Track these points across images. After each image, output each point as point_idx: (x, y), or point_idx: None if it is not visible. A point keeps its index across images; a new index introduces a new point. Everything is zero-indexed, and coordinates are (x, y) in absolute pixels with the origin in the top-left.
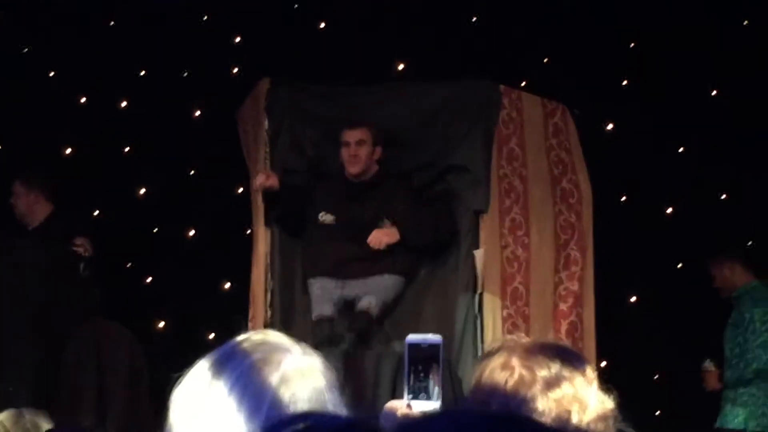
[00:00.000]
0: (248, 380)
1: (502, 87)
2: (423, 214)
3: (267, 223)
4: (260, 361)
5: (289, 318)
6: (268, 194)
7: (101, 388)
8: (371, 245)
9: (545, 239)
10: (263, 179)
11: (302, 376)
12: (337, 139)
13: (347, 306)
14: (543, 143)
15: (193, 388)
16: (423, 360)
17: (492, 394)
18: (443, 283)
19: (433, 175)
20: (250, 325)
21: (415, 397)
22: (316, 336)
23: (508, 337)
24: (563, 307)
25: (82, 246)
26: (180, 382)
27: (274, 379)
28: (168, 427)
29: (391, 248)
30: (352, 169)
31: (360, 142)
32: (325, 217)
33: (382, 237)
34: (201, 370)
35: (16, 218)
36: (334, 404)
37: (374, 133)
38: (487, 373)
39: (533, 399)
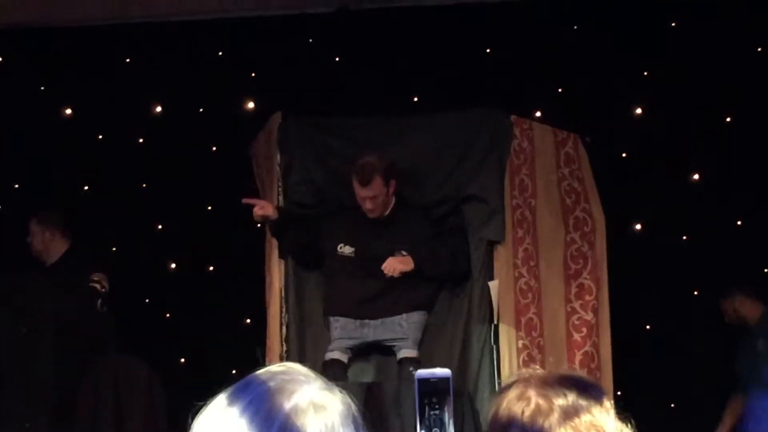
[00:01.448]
0: (260, 405)
1: (513, 117)
2: (439, 245)
3: (280, 257)
4: (275, 388)
5: (305, 352)
6: (273, 225)
7: (119, 424)
8: (385, 272)
9: (554, 269)
10: (256, 209)
11: (315, 409)
12: (350, 172)
13: (369, 347)
14: (554, 173)
15: (210, 414)
16: (434, 394)
17: (509, 425)
18: (459, 315)
19: (449, 206)
20: (267, 359)
21: (429, 430)
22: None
23: (524, 370)
24: (577, 337)
25: (99, 282)
26: (200, 411)
27: (285, 407)
28: None
29: (406, 282)
30: (374, 215)
31: (374, 198)
32: (344, 249)
33: (396, 264)
34: (219, 398)
35: (33, 256)
36: None
37: (386, 172)
38: (504, 404)
39: (551, 428)
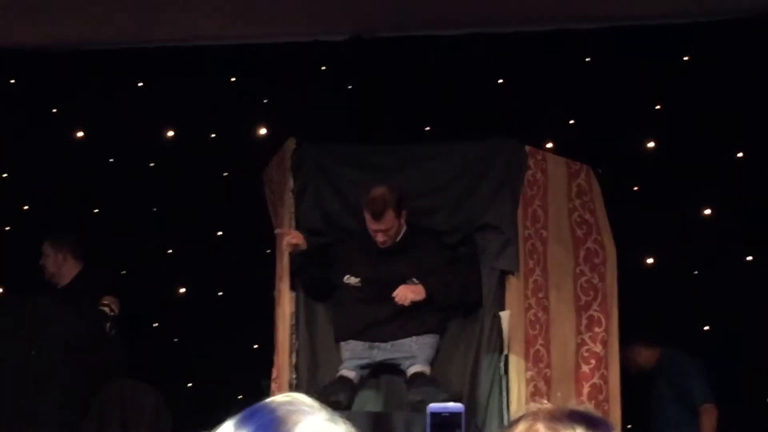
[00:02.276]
0: None
1: (528, 148)
2: (451, 274)
3: (292, 284)
4: (279, 418)
5: (314, 380)
6: (296, 255)
7: None
8: (396, 300)
9: (564, 301)
10: (289, 238)
11: None
12: (361, 199)
13: (380, 369)
14: (566, 205)
15: None
16: (445, 427)
17: None
18: (469, 344)
19: (462, 234)
20: (273, 386)
21: None
22: (332, 392)
23: (532, 404)
24: (585, 369)
25: (108, 305)
26: None
27: None
28: None
29: (417, 308)
30: (382, 246)
31: (386, 231)
32: (350, 280)
33: (407, 293)
34: (225, 426)
35: (45, 278)
36: None
37: (398, 205)
38: None
39: None
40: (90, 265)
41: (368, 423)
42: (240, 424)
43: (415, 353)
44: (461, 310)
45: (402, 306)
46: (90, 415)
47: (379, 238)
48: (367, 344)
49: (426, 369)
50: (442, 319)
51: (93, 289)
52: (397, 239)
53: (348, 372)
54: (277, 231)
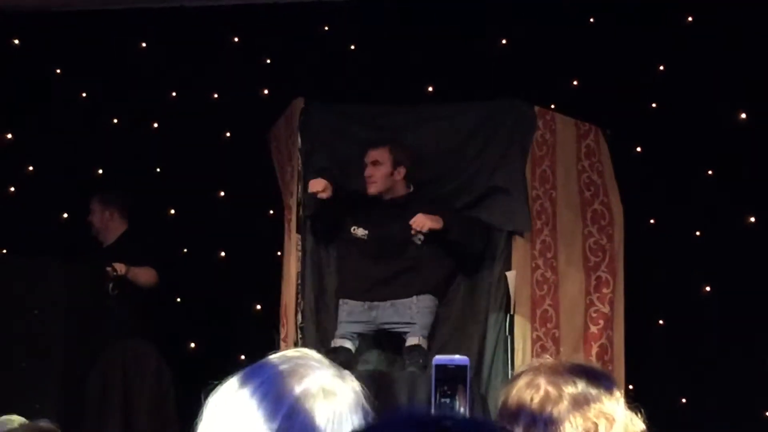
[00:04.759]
0: (270, 387)
1: (536, 108)
2: (465, 218)
3: (298, 244)
4: (287, 372)
5: (320, 338)
6: (317, 206)
7: (127, 408)
8: (414, 227)
9: (573, 261)
10: (320, 188)
11: (324, 395)
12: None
13: (376, 335)
14: (574, 165)
15: (223, 394)
16: (450, 381)
17: (519, 412)
18: (476, 304)
19: (472, 197)
20: (282, 345)
21: None
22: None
23: (534, 359)
24: (594, 329)
25: (111, 266)
26: (214, 390)
27: (295, 391)
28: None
29: (420, 266)
30: (369, 190)
31: (375, 163)
32: (357, 230)
33: (425, 220)
34: (233, 379)
35: (92, 234)
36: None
37: (396, 153)
38: (513, 392)
39: (560, 416)
40: (136, 225)
41: (371, 382)
42: (247, 376)
43: (414, 319)
44: (466, 270)
45: (405, 264)
46: (92, 375)
47: (368, 171)
48: (366, 305)
49: (422, 340)
50: (444, 279)
51: (137, 250)
52: (398, 196)
53: (345, 342)
54: (311, 182)
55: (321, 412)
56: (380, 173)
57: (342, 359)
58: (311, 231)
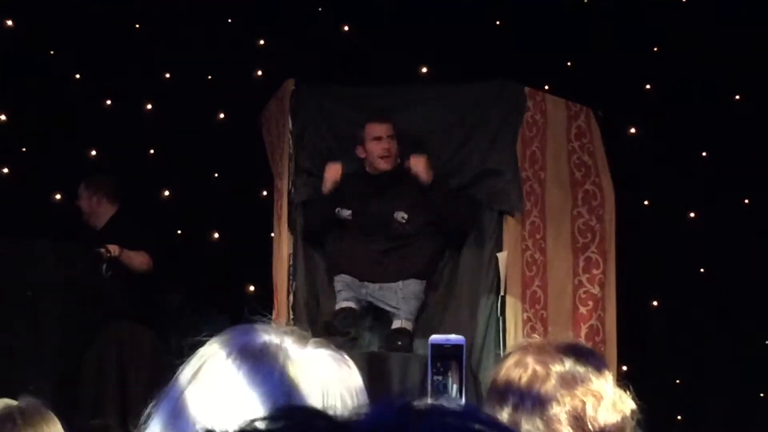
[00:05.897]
0: (260, 363)
1: (527, 89)
2: (452, 191)
3: (290, 226)
4: (276, 343)
5: (313, 320)
6: (324, 194)
7: (123, 389)
8: (410, 163)
9: (561, 243)
10: (337, 175)
11: (315, 369)
12: (357, 139)
13: (369, 309)
14: (564, 146)
15: (207, 356)
16: (445, 360)
17: (507, 390)
18: (467, 285)
19: (466, 178)
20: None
21: (434, 396)
22: (340, 326)
23: (522, 339)
24: (583, 310)
25: (105, 247)
26: (197, 345)
27: (285, 364)
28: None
29: (407, 248)
30: (386, 165)
31: (391, 137)
32: (342, 212)
33: (421, 163)
34: (213, 344)
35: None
36: (344, 400)
37: (395, 128)
38: (502, 371)
39: (547, 394)
40: (127, 208)
41: (364, 363)
42: (232, 341)
43: (399, 305)
44: (458, 251)
45: (391, 244)
46: (88, 357)
47: (386, 144)
48: (356, 280)
49: (406, 323)
50: (429, 261)
51: (128, 232)
52: (390, 168)
53: (348, 303)
54: (329, 165)
55: (310, 385)
56: (395, 146)
57: (353, 326)
58: (303, 218)
